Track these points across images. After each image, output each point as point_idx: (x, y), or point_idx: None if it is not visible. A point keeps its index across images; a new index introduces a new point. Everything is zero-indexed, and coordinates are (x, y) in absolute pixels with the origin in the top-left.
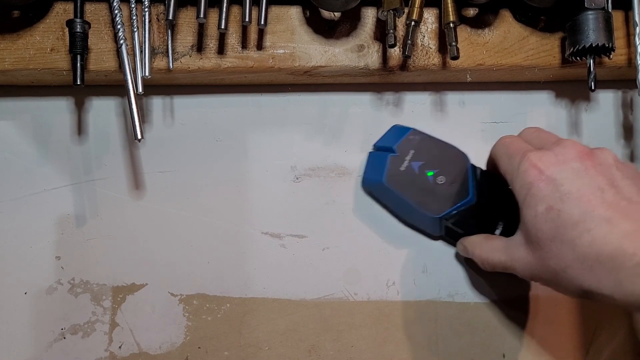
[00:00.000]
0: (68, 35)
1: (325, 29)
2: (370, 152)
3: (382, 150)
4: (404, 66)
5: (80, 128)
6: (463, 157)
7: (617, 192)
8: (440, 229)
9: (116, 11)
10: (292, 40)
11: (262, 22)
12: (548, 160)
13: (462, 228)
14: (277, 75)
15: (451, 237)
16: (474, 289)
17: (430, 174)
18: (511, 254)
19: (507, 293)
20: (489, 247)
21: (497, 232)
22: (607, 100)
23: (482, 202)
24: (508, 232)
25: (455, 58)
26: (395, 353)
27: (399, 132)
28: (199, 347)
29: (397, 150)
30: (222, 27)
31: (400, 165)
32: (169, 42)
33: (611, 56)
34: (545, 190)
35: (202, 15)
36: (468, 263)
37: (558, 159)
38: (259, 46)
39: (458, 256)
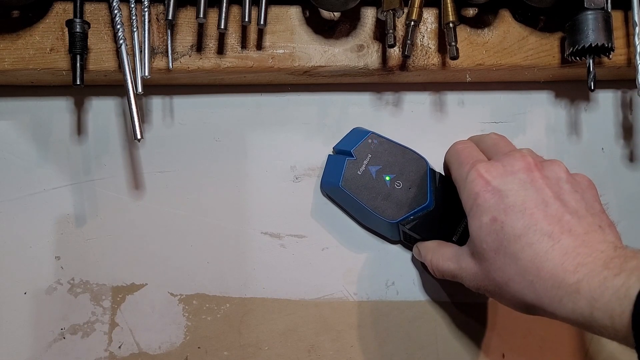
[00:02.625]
0: (68, 35)
1: (324, 29)
2: (329, 155)
3: (341, 154)
4: (403, 66)
5: (79, 128)
6: (422, 161)
7: (563, 205)
8: (398, 234)
9: (116, 11)
10: (292, 40)
11: (262, 22)
12: (495, 171)
13: (419, 233)
14: (277, 75)
15: (409, 242)
16: None
17: (387, 178)
18: (459, 263)
19: None
20: (441, 254)
21: (455, 238)
22: (606, 100)
23: (440, 207)
24: (466, 238)
25: (455, 58)
26: (395, 353)
27: (358, 135)
28: (199, 347)
29: (354, 154)
30: (222, 27)
31: (358, 169)
32: (169, 42)
33: (611, 56)
34: (490, 201)
35: (201, 15)
36: (424, 267)
37: (506, 170)
38: (259, 46)
39: (415, 260)
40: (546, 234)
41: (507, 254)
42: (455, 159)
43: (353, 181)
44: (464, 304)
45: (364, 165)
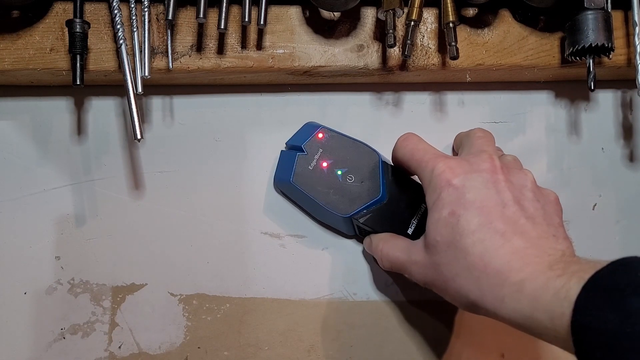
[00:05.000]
0: (68, 35)
1: (324, 29)
2: (281, 151)
3: (292, 149)
4: (403, 66)
5: (80, 128)
6: (374, 154)
7: (520, 209)
8: (353, 228)
9: (116, 11)
10: (292, 40)
11: (262, 22)
12: (461, 168)
13: (373, 227)
14: (277, 75)
15: (364, 237)
16: None
17: (339, 172)
18: (410, 255)
19: None
20: (392, 245)
21: (410, 230)
22: (606, 100)
23: (393, 200)
24: (421, 232)
25: (455, 58)
26: (395, 353)
27: (309, 130)
28: (199, 347)
29: (305, 149)
30: (222, 27)
31: (309, 164)
32: (169, 42)
33: (611, 56)
34: (452, 195)
35: (201, 15)
36: (375, 261)
37: (472, 168)
38: (259, 46)
39: (365, 254)
40: (499, 233)
41: (459, 248)
42: (410, 155)
43: (304, 177)
44: None
45: (315, 160)
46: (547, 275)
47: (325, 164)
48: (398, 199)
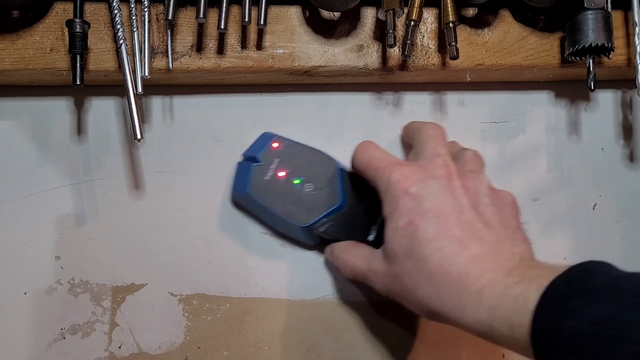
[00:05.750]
0: (68, 35)
1: (324, 29)
2: (238, 163)
3: (248, 160)
4: (403, 66)
5: (80, 128)
6: (331, 162)
7: (477, 215)
8: (313, 238)
9: (116, 11)
10: (292, 40)
11: (262, 22)
12: (416, 176)
13: (333, 235)
14: (277, 75)
15: (325, 245)
16: None
17: (297, 181)
18: (371, 264)
19: None
20: (353, 253)
21: (371, 237)
22: (606, 100)
23: (353, 207)
24: (383, 238)
25: (455, 58)
26: (395, 353)
27: (264, 140)
28: (199, 347)
29: (261, 160)
30: (222, 27)
31: (265, 174)
32: (169, 42)
33: (610, 56)
34: (410, 204)
35: (201, 15)
36: (337, 270)
37: (427, 175)
38: (259, 46)
39: (327, 263)
40: (456, 240)
41: (418, 258)
42: (367, 164)
43: (261, 187)
44: None
45: (271, 170)
46: (505, 283)
47: (282, 174)
48: (358, 206)
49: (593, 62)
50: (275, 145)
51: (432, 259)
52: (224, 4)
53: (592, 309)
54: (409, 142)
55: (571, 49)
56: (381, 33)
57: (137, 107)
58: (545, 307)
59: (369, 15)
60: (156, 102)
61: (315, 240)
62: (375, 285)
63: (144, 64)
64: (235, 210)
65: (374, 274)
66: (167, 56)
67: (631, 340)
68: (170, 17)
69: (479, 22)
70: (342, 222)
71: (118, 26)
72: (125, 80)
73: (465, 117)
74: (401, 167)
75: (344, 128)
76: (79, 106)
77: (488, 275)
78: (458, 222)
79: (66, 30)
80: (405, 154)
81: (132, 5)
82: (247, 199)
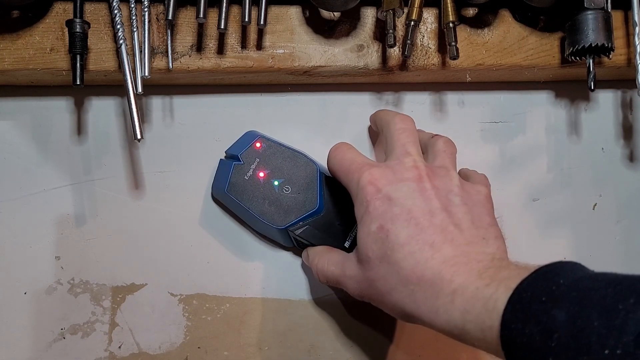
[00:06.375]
0: (68, 35)
1: (324, 29)
2: (220, 160)
3: (230, 158)
4: (403, 66)
5: (80, 128)
6: (312, 165)
7: (448, 216)
8: (290, 239)
9: (116, 11)
10: (292, 40)
11: (262, 22)
12: (386, 179)
13: (308, 239)
14: (277, 75)
15: (302, 249)
16: None
17: (276, 183)
18: (344, 269)
19: None
20: (327, 259)
21: (347, 243)
22: (606, 100)
23: (331, 212)
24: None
25: (455, 58)
26: (396, 352)
27: (247, 139)
28: (199, 347)
29: (242, 159)
30: (222, 27)
31: (245, 174)
32: (169, 42)
33: (610, 56)
34: (380, 208)
35: (201, 15)
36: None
37: (396, 177)
38: (259, 46)
39: (304, 266)
40: (428, 243)
41: (391, 263)
42: (339, 166)
43: (239, 186)
44: None
45: (251, 170)
46: (476, 285)
47: (262, 174)
48: (335, 211)
49: (593, 62)
50: (257, 145)
51: (404, 264)
52: (224, 4)
53: (557, 313)
54: (376, 128)
55: (571, 49)
56: (381, 33)
57: (137, 107)
58: (512, 312)
59: (369, 15)
60: (156, 102)
61: (292, 242)
62: (349, 290)
63: (144, 64)
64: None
65: (348, 279)
66: (167, 56)
67: (587, 349)
68: (170, 17)
69: (479, 22)
70: (319, 226)
71: (118, 26)
72: (125, 80)
73: (465, 117)
74: (370, 168)
75: (344, 128)
76: (79, 106)
77: (460, 278)
78: (429, 225)
79: (66, 30)
80: (373, 144)
81: (132, 5)
82: (225, 197)
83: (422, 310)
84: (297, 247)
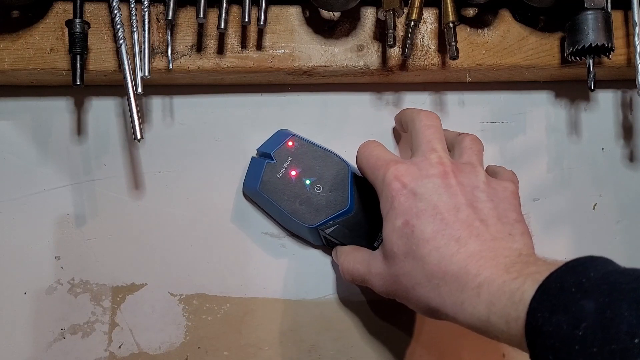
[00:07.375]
0: (67, 35)
1: (324, 29)
2: (252, 157)
3: (262, 157)
4: (403, 66)
5: (79, 128)
6: (344, 165)
7: (474, 212)
8: (320, 238)
9: (115, 11)
10: (292, 40)
11: (262, 22)
12: (411, 175)
13: (338, 239)
14: (277, 75)
15: (331, 248)
16: None
17: (307, 182)
18: (370, 267)
19: None
20: (353, 257)
21: (377, 243)
22: (606, 100)
23: (361, 212)
24: None
25: (455, 58)
26: (396, 352)
27: (280, 137)
28: (199, 347)
29: (274, 157)
30: (222, 27)
31: (277, 172)
32: (169, 42)
33: (610, 56)
34: (405, 204)
35: (201, 15)
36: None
37: (421, 173)
38: (259, 46)
39: (334, 264)
40: (454, 238)
41: (416, 258)
42: (366, 162)
43: (272, 185)
44: None
45: (283, 169)
46: (503, 279)
47: (293, 173)
48: (366, 211)
49: (593, 62)
50: (290, 143)
51: (430, 259)
52: (224, 4)
53: (586, 303)
54: (405, 131)
55: (571, 49)
56: (381, 33)
57: (137, 107)
58: (540, 301)
59: (369, 15)
60: (156, 102)
61: (322, 241)
62: (375, 287)
63: (144, 64)
64: (236, 209)
65: (373, 276)
66: (167, 56)
67: (616, 338)
68: (170, 17)
69: (479, 22)
70: (349, 226)
71: (118, 26)
72: (125, 80)
73: (465, 117)
74: (396, 165)
75: (344, 128)
76: (79, 106)
77: (486, 272)
78: (455, 220)
79: (66, 30)
80: (396, 143)
81: (132, 5)
82: (257, 194)
83: (447, 303)
84: (326, 245)
